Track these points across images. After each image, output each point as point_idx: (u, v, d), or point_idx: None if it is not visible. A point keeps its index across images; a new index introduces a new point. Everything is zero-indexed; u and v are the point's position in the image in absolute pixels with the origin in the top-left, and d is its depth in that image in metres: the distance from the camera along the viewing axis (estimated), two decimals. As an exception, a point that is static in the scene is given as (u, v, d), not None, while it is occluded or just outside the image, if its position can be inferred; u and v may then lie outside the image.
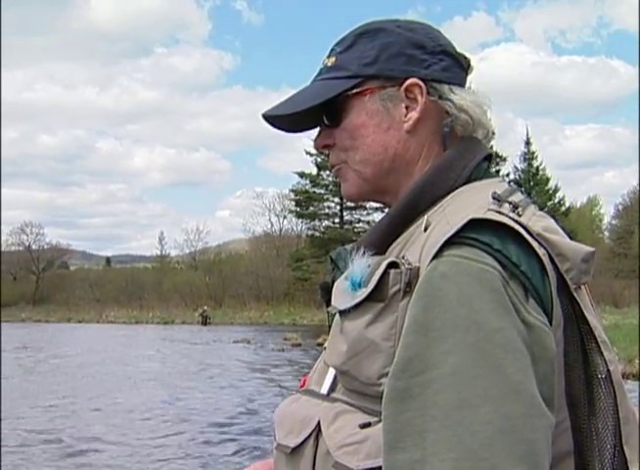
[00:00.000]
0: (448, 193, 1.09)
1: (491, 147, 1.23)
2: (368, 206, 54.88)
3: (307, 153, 55.16)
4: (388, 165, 1.15)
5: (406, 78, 1.13)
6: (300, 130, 1.25)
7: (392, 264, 0.99)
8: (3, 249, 68.36)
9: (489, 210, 0.97)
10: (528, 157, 51.21)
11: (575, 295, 0.98)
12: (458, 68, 1.18)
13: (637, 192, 53.48)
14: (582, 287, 1.03)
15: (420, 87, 1.13)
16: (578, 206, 60.73)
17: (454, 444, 0.83)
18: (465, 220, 0.92)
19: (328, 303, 1.17)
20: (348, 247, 1.16)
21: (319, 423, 1.03)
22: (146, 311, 57.02)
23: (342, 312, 1.04)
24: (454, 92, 1.15)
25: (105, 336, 36.82)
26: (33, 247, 70.64)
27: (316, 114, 1.19)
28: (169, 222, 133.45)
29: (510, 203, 1.00)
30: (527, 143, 51.18)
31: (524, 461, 0.83)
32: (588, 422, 0.96)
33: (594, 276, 1.06)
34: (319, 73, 1.21)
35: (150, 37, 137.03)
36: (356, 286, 1.02)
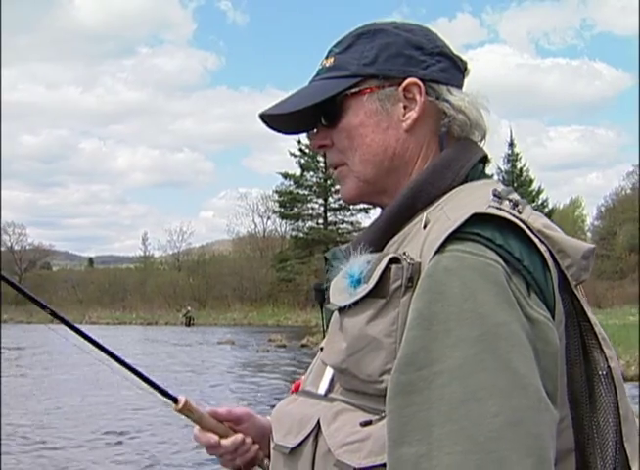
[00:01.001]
0: (445, 192, 1.09)
1: None
2: (352, 207, 54.97)
3: (291, 154, 55.31)
4: (388, 165, 1.15)
5: (405, 78, 1.14)
6: (297, 132, 1.25)
7: (394, 260, 0.99)
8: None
9: (490, 206, 0.97)
10: (512, 158, 51.50)
11: (576, 291, 0.99)
12: (455, 69, 1.19)
13: (619, 193, 53.80)
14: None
15: (418, 87, 1.13)
16: (561, 207, 61.09)
17: (461, 437, 0.82)
18: (467, 215, 0.93)
19: (322, 304, 1.17)
20: (344, 246, 1.16)
21: (319, 422, 1.03)
22: (129, 312, 56.70)
23: (342, 310, 1.03)
24: (452, 93, 1.15)
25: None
26: (15, 247, 70.08)
27: (313, 114, 1.18)
28: (153, 223, 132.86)
29: (510, 200, 1.02)
30: (511, 144, 51.47)
31: (530, 455, 0.83)
32: (590, 419, 0.96)
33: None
34: (317, 74, 1.20)
35: (134, 37, 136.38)
36: (355, 283, 1.01)
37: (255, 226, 65.51)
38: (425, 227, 1.03)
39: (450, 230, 0.93)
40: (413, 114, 1.14)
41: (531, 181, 52.07)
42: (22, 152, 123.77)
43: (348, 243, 1.16)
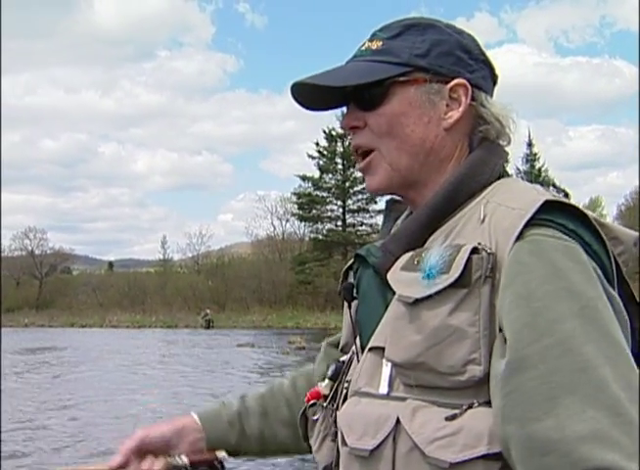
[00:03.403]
0: (484, 187, 1.13)
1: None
2: (371, 209, 54.87)
3: (310, 156, 55.31)
4: (423, 159, 1.17)
5: (453, 78, 1.16)
6: (321, 109, 1.26)
7: (473, 250, 1.00)
8: (6, 254, 68.38)
9: (554, 196, 1.02)
10: (531, 158, 51.21)
11: (627, 277, 1.05)
12: (490, 79, 1.22)
13: (638, 192, 53.28)
14: None
15: (466, 88, 1.17)
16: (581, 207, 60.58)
17: (588, 404, 0.85)
18: (540, 202, 0.98)
19: (350, 302, 1.21)
20: (377, 243, 1.18)
21: (398, 420, 1.00)
22: (149, 316, 56.88)
23: (415, 302, 1.02)
24: (488, 101, 1.19)
25: (110, 340, 36.75)
26: (36, 252, 70.63)
27: (345, 93, 1.19)
28: (172, 226, 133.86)
29: (563, 192, 1.08)
30: (530, 144, 51.17)
31: None
32: None
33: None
34: (360, 54, 1.20)
35: (153, 41, 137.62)
36: (433, 274, 1.01)
37: (274, 229, 65.59)
38: (483, 221, 1.05)
39: (527, 217, 0.97)
40: (456, 113, 1.16)
41: (550, 181, 51.72)
42: (42, 156, 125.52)
43: (384, 238, 1.19)
